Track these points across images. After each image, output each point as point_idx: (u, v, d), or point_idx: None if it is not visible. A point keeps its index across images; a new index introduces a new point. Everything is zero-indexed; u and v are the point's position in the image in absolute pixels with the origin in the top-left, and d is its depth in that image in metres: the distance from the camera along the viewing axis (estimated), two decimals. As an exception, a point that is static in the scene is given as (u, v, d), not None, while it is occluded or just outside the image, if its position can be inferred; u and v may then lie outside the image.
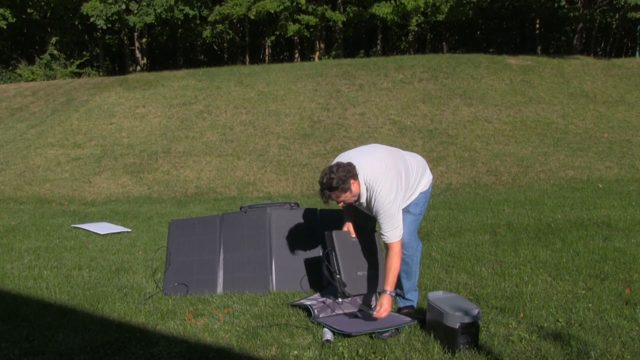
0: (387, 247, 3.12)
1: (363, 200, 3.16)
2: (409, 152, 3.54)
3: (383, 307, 3.04)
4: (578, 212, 6.32)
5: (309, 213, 4.14)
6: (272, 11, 21.85)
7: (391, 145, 3.56)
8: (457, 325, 2.73)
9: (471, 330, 2.76)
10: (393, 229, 3.09)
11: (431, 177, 3.58)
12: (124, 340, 3.01)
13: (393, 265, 3.09)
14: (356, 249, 3.37)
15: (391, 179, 3.11)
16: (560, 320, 3.11)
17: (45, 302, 3.76)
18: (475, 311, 2.78)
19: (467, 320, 2.74)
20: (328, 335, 2.96)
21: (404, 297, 3.42)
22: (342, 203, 3.16)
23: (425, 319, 3.06)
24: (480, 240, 5.15)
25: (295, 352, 2.83)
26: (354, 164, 3.10)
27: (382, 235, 3.12)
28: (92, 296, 3.85)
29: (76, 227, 6.57)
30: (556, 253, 4.55)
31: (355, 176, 3.07)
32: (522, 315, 3.20)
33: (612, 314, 3.16)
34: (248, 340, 2.99)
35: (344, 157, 3.20)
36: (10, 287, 4.14)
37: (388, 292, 3.07)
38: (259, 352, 2.86)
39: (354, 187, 3.08)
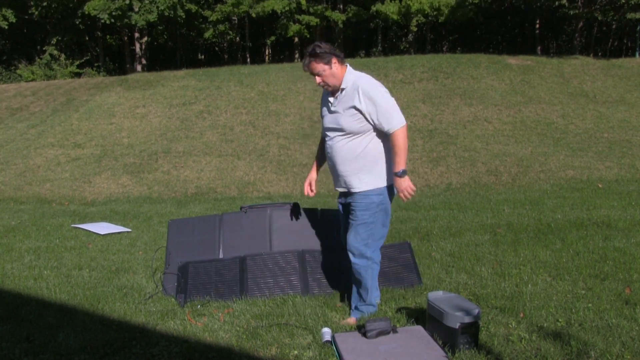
0: (392, 136, 3.05)
1: (346, 85, 3.12)
2: None
3: (401, 190, 3.08)
4: (578, 212, 6.32)
5: (309, 213, 4.15)
6: (279, 11, 21.87)
7: None
8: (457, 325, 2.73)
9: (471, 330, 2.76)
10: (394, 114, 3.05)
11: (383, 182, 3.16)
12: (124, 340, 3.01)
13: (401, 145, 3.04)
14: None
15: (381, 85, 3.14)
16: (560, 320, 3.11)
17: (45, 302, 3.76)
18: (475, 311, 2.78)
19: (467, 320, 2.74)
20: (328, 335, 2.96)
21: (355, 309, 3.32)
22: (320, 80, 3.13)
23: (425, 319, 3.06)
24: (480, 240, 5.15)
25: (295, 352, 2.83)
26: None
27: (385, 127, 3.05)
28: (92, 296, 3.85)
29: (76, 227, 6.57)
30: (556, 253, 4.55)
31: (339, 58, 3.12)
32: (522, 315, 3.20)
33: (612, 314, 3.16)
34: (248, 340, 2.99)
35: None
36: (10, 287, 4.14)
37: (400, 172, 3.06)
38: (259, 352, 2.86)
39: (335, 66, 3.10)
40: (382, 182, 3.14)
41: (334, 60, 3.09)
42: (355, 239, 3.15)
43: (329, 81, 3.13)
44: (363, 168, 3.12)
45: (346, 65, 3.17)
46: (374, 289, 3.29)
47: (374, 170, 3.13)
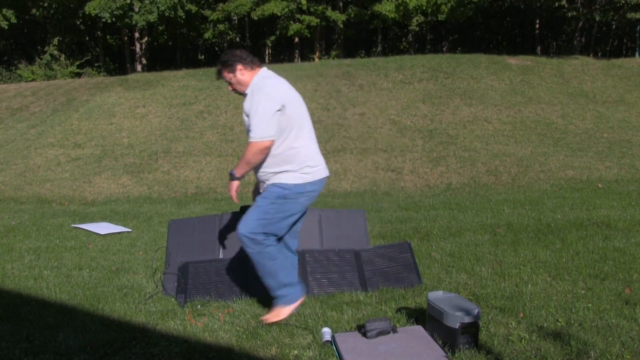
0: (247, 144, 2.99)
1: (249, 89, 3.07)
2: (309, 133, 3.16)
3: (229, 188, 3.15)
4: (578, 212, 6.32)
5: (309, 213, 4.14)
6: (278, 13, 21.91)
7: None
8: (457, 325, 2.73)
9: (471, 330, 2.76)
10: (258, 127, 2.91)
11: (312, 178, 3.07)
12: (124, 340, 3.01)
13: (246, 157, 2.98)
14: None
15: (275, 89, 3.01)
16: (560, 320, 3.11)
17: (45, 302, 3.76)
18: (475, 311, 2.78)
19: (467, 320, 2.74)
20: (328, 335, 2.96)
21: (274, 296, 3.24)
22: (231, 89, 3.16)
23: (425, 319, 3.06)
24: (480, 240, 5.15)
25: (295, 352, 2.83)
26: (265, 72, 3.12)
27: (249, 132, 2.99)
28: (92, 296, 3.85)
29: (76, 227, 6.57)
30: (556, 253, 4.55)
31: (246, 64, 3.07)
32: (522, 315, 3.20)
33: (612, 314, 3.16)
34: (248, 340, 2.99)
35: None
36: (10, 287, 4.14)
37: (232, 173, 3.09)
38: (259, 352, 2.86)
39: (240, 73, 3.08)
40: (291, 180, 3.02)
41: (239, 67, 3.07)
42: (245, 224, 3.06)
43: (237, 88, 3.14)
44: (273, 169, 3.04)
45: (259, 69, 3.11)
46: (282, 272, 3.15)
47: (283, 171, 3.03)
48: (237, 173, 3.07)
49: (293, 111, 3.03)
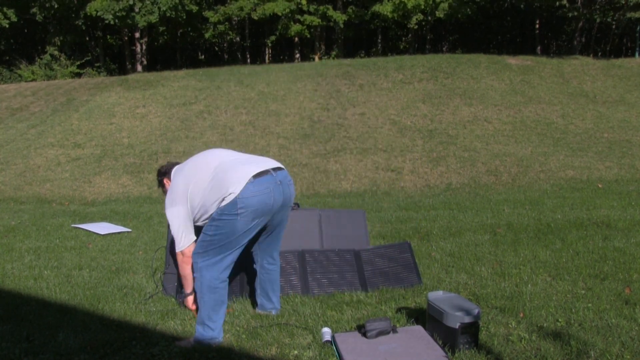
0: None
1: None
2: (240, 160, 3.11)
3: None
4: (578, 212, 6.32)
5: (309, 213, 4.15)
6: (280, 13, 21.94)
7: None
8: (457, 325, 2.73)
9: (471, 330, 2.76)
10: (177, 238, 3.05)
11: (235, 194, 2.86)
12: (124, 340, 3.01)
13: (180, 271, 3.20)
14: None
15: (172, 193, 3.08)
16: (560, 320, 3.11)
17: (45, 302, 3.76)
18: (475, 311, 2.78)
19: (467, 320, 2.74)
20: (328, 335, 2.96)
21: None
22: None
23: (425, 319, 3.06)
24: (480, 240, 5.15)
25: (295, 352, 2.83)
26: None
27: None
28: (92, 296, 3.85)
29: (76, 227, 6.57)
30: (556, 253, 4.55)
31: (167, 176, 3.30)
32: (522, 315, 3.20)
33: (612, 314, 3.16)
34: (248, 340, 2.99)
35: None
36: (10, 287, 4.14)
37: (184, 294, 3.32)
38: (259, 352, 2.86)
39: (167, 185, 3.33)
40: (222, 203, 2.91)
41: (165, 180, 3.33)
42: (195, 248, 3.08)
43: None
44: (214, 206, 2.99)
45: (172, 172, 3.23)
46: (210, 308, 2.95)
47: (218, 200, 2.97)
48: (187, 290, 3.24)
49: (198, 183, 2.99)
